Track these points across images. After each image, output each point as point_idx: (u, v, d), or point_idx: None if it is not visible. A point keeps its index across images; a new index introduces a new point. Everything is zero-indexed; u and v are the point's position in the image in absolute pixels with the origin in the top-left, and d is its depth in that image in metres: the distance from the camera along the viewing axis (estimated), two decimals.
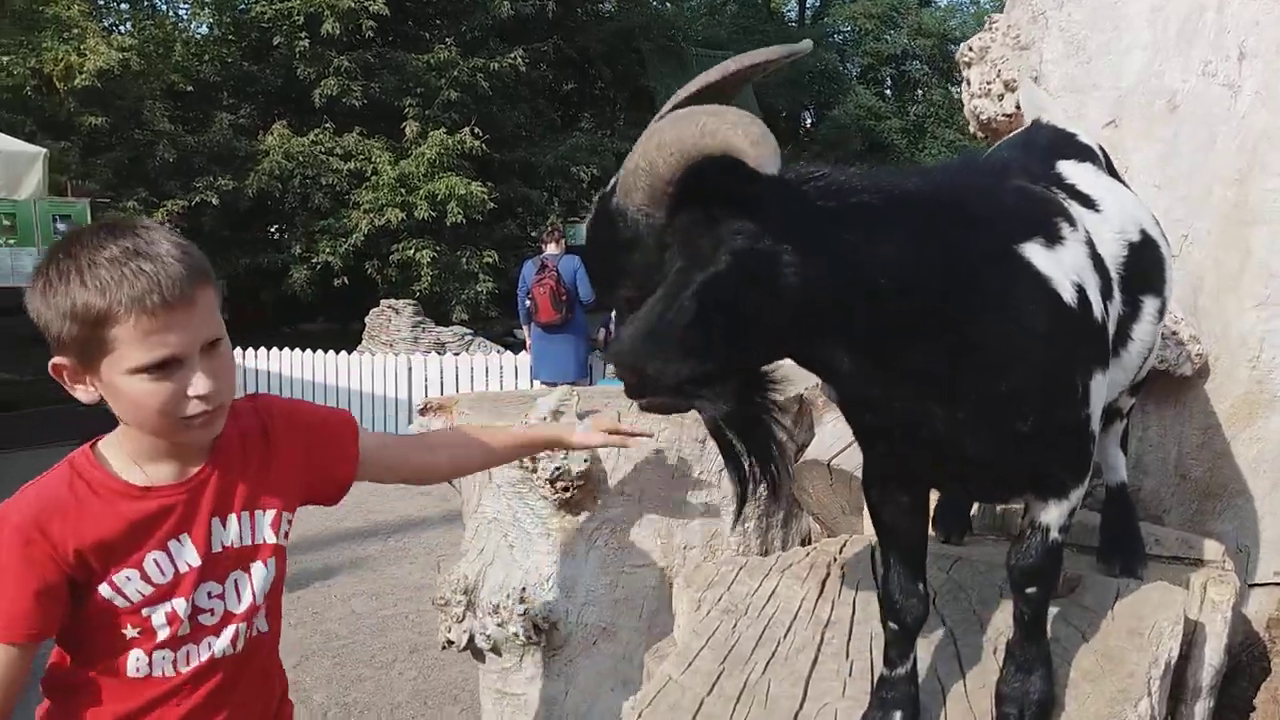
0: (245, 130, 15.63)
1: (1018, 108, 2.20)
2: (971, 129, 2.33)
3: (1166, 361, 1.74)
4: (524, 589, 2.46)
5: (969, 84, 2.29)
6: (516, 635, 2.45)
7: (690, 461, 2.44)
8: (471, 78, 16.10)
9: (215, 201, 14.38)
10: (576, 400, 2.41)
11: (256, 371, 11.17)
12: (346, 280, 15.48)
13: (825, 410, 2.55)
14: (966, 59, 2.32)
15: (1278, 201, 1.78)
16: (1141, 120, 1.94)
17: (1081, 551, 1.69)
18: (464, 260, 15.64)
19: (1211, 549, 1.64)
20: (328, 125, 15.78)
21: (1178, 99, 1.89)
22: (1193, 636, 1.45)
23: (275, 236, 16.41)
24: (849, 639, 1.41)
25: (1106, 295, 1.27)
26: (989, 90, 2.25)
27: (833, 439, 2.45)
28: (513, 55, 16.67)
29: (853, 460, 2.39)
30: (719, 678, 1.37)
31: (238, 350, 11.26)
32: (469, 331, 12.87)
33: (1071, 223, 1.27)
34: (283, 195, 15.30)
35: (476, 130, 15.48)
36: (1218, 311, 1.83)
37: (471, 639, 2.53)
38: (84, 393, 1.25)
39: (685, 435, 2.44)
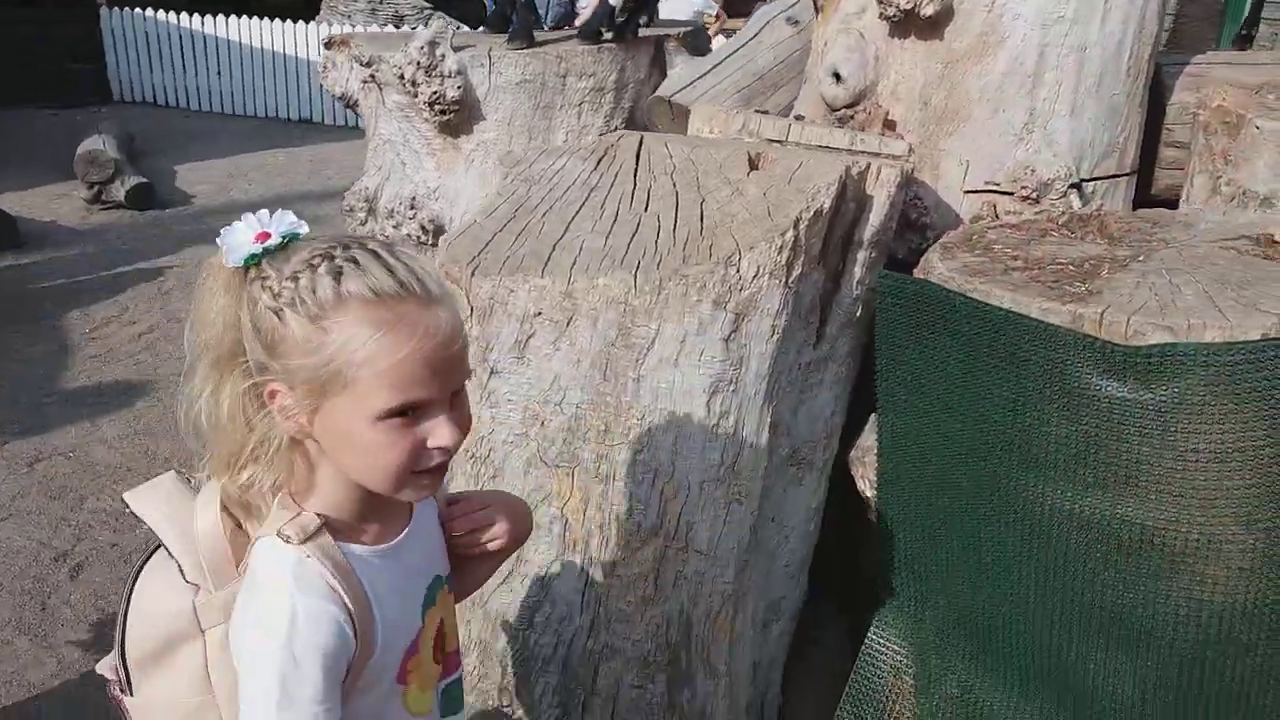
0: None
1: None
2: None
3: (915, 2, 2.13)
4: (414, 198, 2.96)
5: None
6: (410, 236, 2.97)
7: (553, 91, 2.85)
8: None
9: None
10: (452, 33, 2.78)
11: (217, 39, 11.11)
12: None
13: (675, 54, 2.93)
14: None
15: None
16: None
17: None
18: None
19: (899, 147, 2.10)
20: None
21: None
22: (867, 204, 1.97)
23: None
24: (606, 195, 1.92)
25: None
26: None
27: (675, 81, 2.86)
28: None
29: (688, 97, 2.80)
30: (509, 222, 1.88)
31: (197, 17, 11.15)
32: (429, 5, 12.56)
33: None
34: None
35: None
36: None
37: None
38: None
39: (548, 70, 2.84)
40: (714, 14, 7.21)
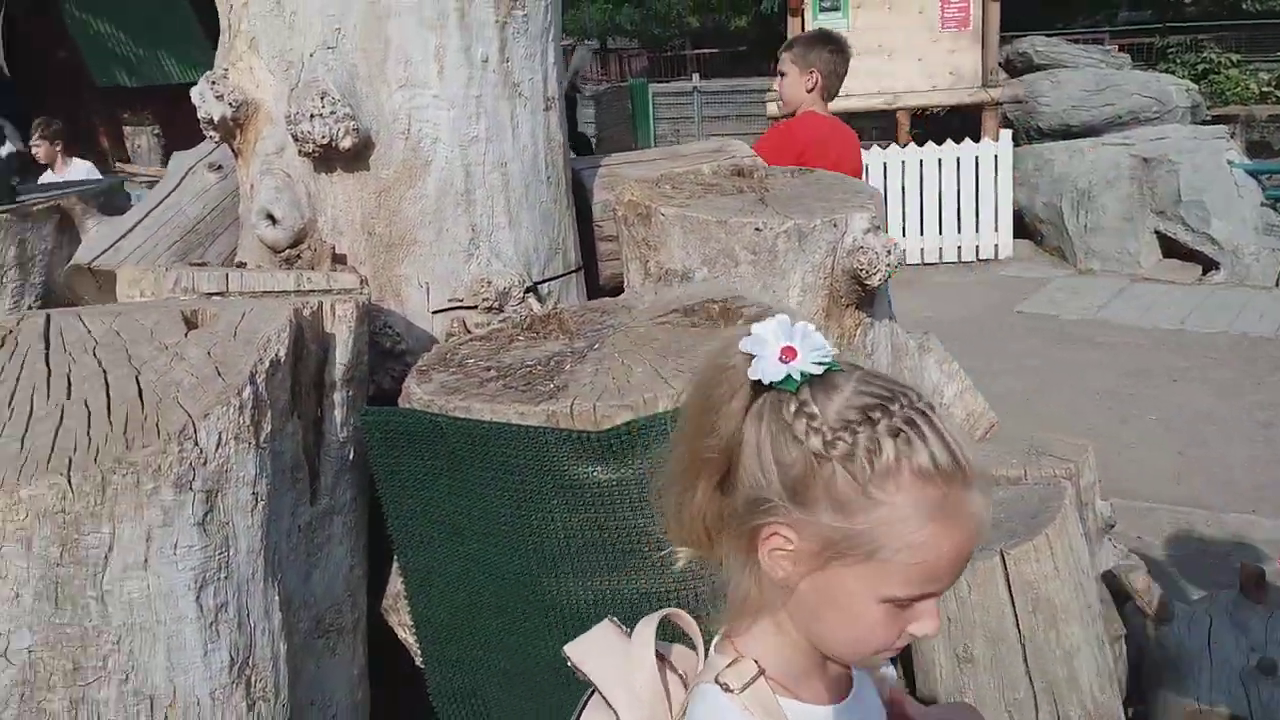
0: None
1: None
2: None
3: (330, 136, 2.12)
4: None
5: None
6: None
7: None
8: None
9: None
10: None
11: None
12: None
13: (85, 216, 2.61)
14: None
15: None
16: None
17: None
18: None
19: (349, 281, 2.08)
20: None
21: None
22: (329, 343, 1.88)
23: None
24: (14, 389, 1.60)
25: None
26: None
27: (95, 245, 2.54)
28: None
29: (113, 260, 2.50)
30: None
31: None
32: None
33: None
34: None
35: None
36: (371, 94, 2.23)
37: None
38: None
39: None
40: None
